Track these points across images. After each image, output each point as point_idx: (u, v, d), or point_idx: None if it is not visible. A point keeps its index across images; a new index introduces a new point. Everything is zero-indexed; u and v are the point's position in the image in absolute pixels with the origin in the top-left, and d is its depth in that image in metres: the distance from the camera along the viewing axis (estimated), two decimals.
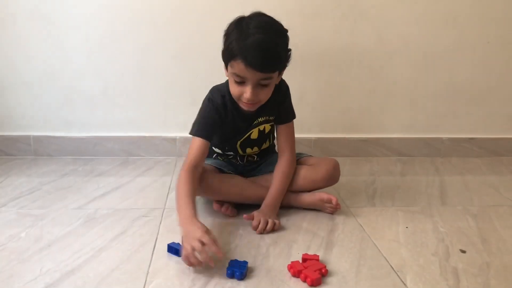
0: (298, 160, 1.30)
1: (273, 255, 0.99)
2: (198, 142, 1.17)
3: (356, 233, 1.12)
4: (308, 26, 1.71)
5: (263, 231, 1.10)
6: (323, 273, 0.90)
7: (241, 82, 1.08)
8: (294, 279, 0.90)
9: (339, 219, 1.21)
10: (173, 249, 0.98)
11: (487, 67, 1.84)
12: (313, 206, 1.25)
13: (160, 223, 1.15)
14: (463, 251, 1.04)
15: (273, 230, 1.11)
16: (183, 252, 0.90)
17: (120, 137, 1.77)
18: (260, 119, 1.24)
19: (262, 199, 1.20)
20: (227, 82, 1.21)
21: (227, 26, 1.11)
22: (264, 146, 1.33)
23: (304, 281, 0.88)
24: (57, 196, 1.33)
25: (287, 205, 1.25)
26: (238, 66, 1.05)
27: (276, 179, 1.23)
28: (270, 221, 1.11)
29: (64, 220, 1.16)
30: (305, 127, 1.79)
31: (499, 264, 0.98)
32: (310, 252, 0.99)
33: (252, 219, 1.13)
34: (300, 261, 0.94)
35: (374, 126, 1.87)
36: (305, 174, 1.26)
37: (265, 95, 1.12)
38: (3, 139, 1.73)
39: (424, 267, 0.96)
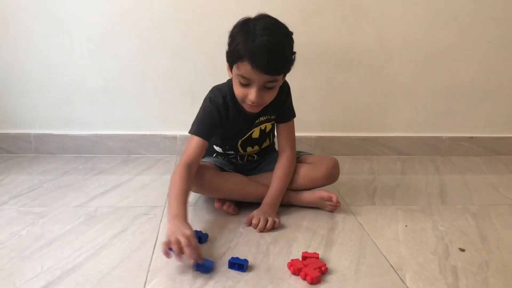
0: (298, 158, 1.31)
1: (273, 253, 1.00)
2: (196, 140, 1.17)
3: (356, 232, 1.13)
4: (309, 26, 1.71)
5: (263, 229, 1.10)
6: (323, 271, 0.91)
7: (246, 84, 1.08)
8: (294, 277, 0.90)
9: (339, 217, 1.21)
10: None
11: (487, 67, 1.84)
12: (313, 204, 1.25)
13: (161, 221, 1.16)
14: (463, 250, 1.04)
15: (273, 228, 1.12)
16: (166, 240, 0.91)
17: (120, 135, 1.77)
18: (261, 119, 1.25)
19: (263, 197, 1.21)
20: (228, 82, 1.21)
21: (233, 27, 1.10)
22: (265, 145, 1.33)
23: (304, 279, 0.88)
24: (57, 194, 1.34)
25: (287, 203, 1.26)
26: (245, 68, 1.04)
27: (276, 177, 1.23)
28: (270, 219, 1.12)
29: (64, 218, 1.16)
30: (306, 125, 1.79)
31: (498, 262, 0.99)
32: (310, 250, 1.00)
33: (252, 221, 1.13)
34: (300, 259, 0.94)
35: (374, 125, 1.87)
36: (305, 173, 1.26)
37: (270, 97, 1.13)
38: (4, 137, 1.73)
39: (424, 265, 0.96)
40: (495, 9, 1.78)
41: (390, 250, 1.03)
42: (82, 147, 1.76)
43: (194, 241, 0.91)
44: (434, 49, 1.80)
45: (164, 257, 0.95)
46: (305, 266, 0.91)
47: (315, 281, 0.87)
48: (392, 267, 0.95)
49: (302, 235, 1.10)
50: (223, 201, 1.22)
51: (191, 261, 0.88)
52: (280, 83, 1.13)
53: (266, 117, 1.25)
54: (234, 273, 0.90)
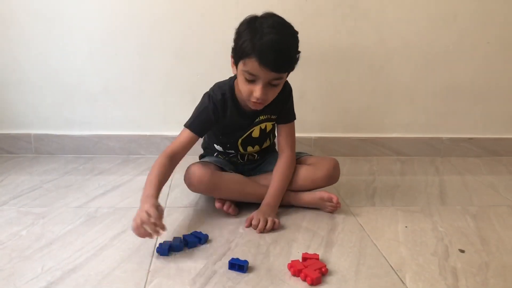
0: (298, 160, 1.31)
1: (273, 254, 1.00)
2: (186, 134, 1.18)
3: (355, 232, 1.13)
4: (309, 26, 1.71)
5: (263, 230, 1.10)
6: (323, 272, 0.91)
7: (252, 80, 1.09)
8: (294, 278, 0.90)
9: (339, 218, 1.22)
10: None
11: (487, 67, 1.85)
12: (313, 205, 1.25)
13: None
14: (462, 251, 1.04)
15: (273, 229, 1.12)
16: (133, 223, 0.94)
17: (120, 136, 1.77)
18: (261, 117, 1.25)
19: (262, 197, 1.21)
20: (230, 79, 1.22)
21: (239, 24, 1.11)
22: (265, 145, 1.34)
23: (304, 280, 0.88)
24: (58, 194, 1.34)
25: (287, 204, 1.26)
26: (252, 64, 1.05)
27: (276, 178, 1.23)
28: (269, 220, 1.12)
29: (65, 218, 1.16)
30: (305, 126, 1.79)
31: (498, 263, 0.99)
32: (310, 251, 1.00)
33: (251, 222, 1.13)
34: (300, 260, 0.95)
35: (374, 126, 1.87)
36: (305, 174, 1.26)
37: (273, 94, 1.14)
38: (4, 137, 1.73)
39: (423, 266, 0.97)
40: (495, 10, 1.78)
41: (390, 251, 1.03)
42: (82, 148, 1.76)
43: (154, 213, 0.94)
44: (434, 49, 1.80)
45: (164, 258, 0.96)
46: (305, 267, 0.91)
47: (315, 282, 0.87)
48: (392, 268, 0.95)
49: (302, 236, 1.10)
50: (223, 201, 1.22)
51: (155, 236, 0.93)
52: (283, 81, 1.14)
53: (266, 116, 1.25)
54: (234, 274, 0.91)
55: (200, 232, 1.06)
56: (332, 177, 1.27)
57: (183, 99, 1.74)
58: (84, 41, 1.67)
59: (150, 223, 0.92)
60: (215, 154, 1.36)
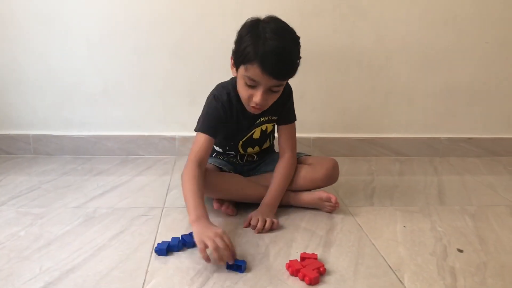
0: (297, 160, 1.31)
1: (271, 254, 1.00)
2: (202, 138, 1.16)
3: (354, 232, 1.13)
4: (308, 26, 1.71)
5: (262, 230, 1.10)
6: (321, 272, 0.91)
7: (252, 86, 1.09)
8: (292, 278, 0.90)
9: (338, 218, 1.22)
10: (163, 250, 0.97)
11: (486, 67, 1.85)
12: (312, 205, 1.25)
13: (159, 222, 1.16)
14: (461, 251, 1.04)
15: (272, 229, 1.12)
16: (200, 245, 0.91)
17: (119, 136, 1.77)
18: (262, 119, 1.25)
19: (261, 198, 1.21)
20: (232, 80, 1.22)
21: (241, 27, 1.11)
22: (265, 146, 1.34)
23: (302, 279, 0.88)
24: (56, 195, 1.34)
25: (286, 204, 1.26)
26: (254, 70, 1.05)
27: (276, 179, 1.23)
28: (268, 220, 1.12)
29: (63, 219, 1.16)
30: (304, 126, 1.79)
31: (496, 263, 0.99)
32: (309, 251, 1.00)
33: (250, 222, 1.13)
34: (299, 260, 0.95)
35: (373, 126, 1.87)
36: (304, 174, 1.26)
37: (273, 100, 1.14)
38: (2, 138, 1.73)
39: (422, 266, 0.97)
40: (493, 10, 1.78)
41: (389, 251, 1.03)
42: (81, 148, 1.76)
43: (229, 239, 0.93)
44: (433, 50, 1.80)
45: (162, 258, 0.96)
46: (304, 267, 0.91)
47: (314, 282, 0.87)
48: (391, 267, 0.96)
49: (300, 235, 1.10)
50: (221, 201, 1.22)
51: (227, 262, 0.91)
52: (283, 87, 1.14)
53: (267, 117, 1.26)
54: (232, 273, 0.91)
55: None
56: (331, 177, 1.27)
57: (182, 100, 1.74)
58: (83, 41, 1.67)
59: (228, 249, 0.90)
60: (214, 155, 1.36)
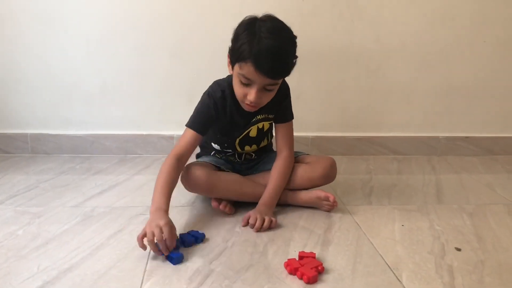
0: (295, 159, 1.31)
1: (270, 252, 1.00)
2: (189, 134, 1.18)
3: (352, 231, 1.13)
4: (306, 25, 1.71)
5: (260, 229, 1.10)
6: (320, 270, 0.91)
7: (247, 84, 1.09)
8: (290, 276, 0.90)
9: (336, 217, 1.22)
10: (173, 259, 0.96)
11: (484, 66, 1.85)
12: (310, 204, 1.25)
13: None
14: (459, 249, 1.05)
15: (270, 228, 1.12)
16: (141, 233, 0.95)
17: (117, 135, 1.77)
18: (259, 117, 1.25)
19: (259, 197, 1.21)
20: (228, 77, 1.22)
21: (238, 25, 1.11)
22: (262, 144, 1.34)
23: (301, 278, 0.89)
24: (54, 194, 1.33)
25: (284, 203, 1.26)
26: (248, 69, 1.05)
27: (273, 177, 1.23)
28: (266, 218, 1.12)
29: (61, 218, 1.16)
30: (302, 125, 1.79)
31: (494, 261, 0.99)
32: (307, 250, 1.00)
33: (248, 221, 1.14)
34: (297, 259, 0.95)
35: (371, 125, 1.88)
36: (302, 173, 1.26)
37: (267, 98, 1.14)
38: (0, 137, 1.73)
39: (420, 264, 0.97)
40: (491, 9, 1.79)
41: (387, 250, 1.03)
42: (79, 147, 1.76)
43: (168, 231, 0.94)
44: (431, 49, 1.80)
45: (160, 257, 0.96)
46: (302, 265, 0.91)
47: (312, 280, 0.87)
48: (389, 266, 0.96)
49: (299, 234, 1.10)
50: (219, 200, 1.22)
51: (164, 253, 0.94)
52: (278, 86, 1.14)
53: (263, 115, 1.25)
54: (231, 272, 0.91)
55: (197, 231, 1.06)
56: (329, 176, 1.28)
57: (181, 99, 1.74)
58: (82, 40, 1.67)
59: (163, 242, 0.93)
60: (212, 153, 1.36)
